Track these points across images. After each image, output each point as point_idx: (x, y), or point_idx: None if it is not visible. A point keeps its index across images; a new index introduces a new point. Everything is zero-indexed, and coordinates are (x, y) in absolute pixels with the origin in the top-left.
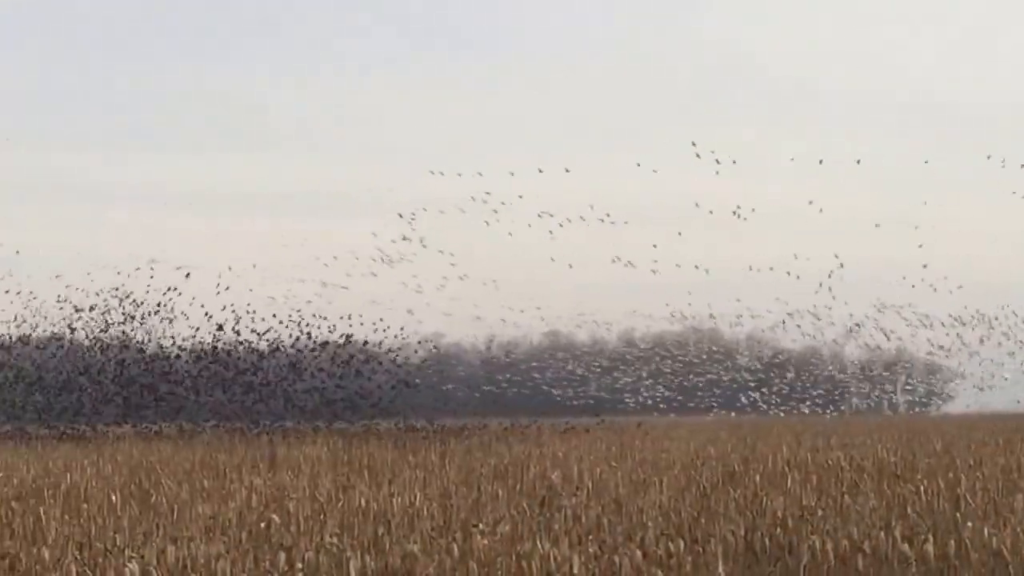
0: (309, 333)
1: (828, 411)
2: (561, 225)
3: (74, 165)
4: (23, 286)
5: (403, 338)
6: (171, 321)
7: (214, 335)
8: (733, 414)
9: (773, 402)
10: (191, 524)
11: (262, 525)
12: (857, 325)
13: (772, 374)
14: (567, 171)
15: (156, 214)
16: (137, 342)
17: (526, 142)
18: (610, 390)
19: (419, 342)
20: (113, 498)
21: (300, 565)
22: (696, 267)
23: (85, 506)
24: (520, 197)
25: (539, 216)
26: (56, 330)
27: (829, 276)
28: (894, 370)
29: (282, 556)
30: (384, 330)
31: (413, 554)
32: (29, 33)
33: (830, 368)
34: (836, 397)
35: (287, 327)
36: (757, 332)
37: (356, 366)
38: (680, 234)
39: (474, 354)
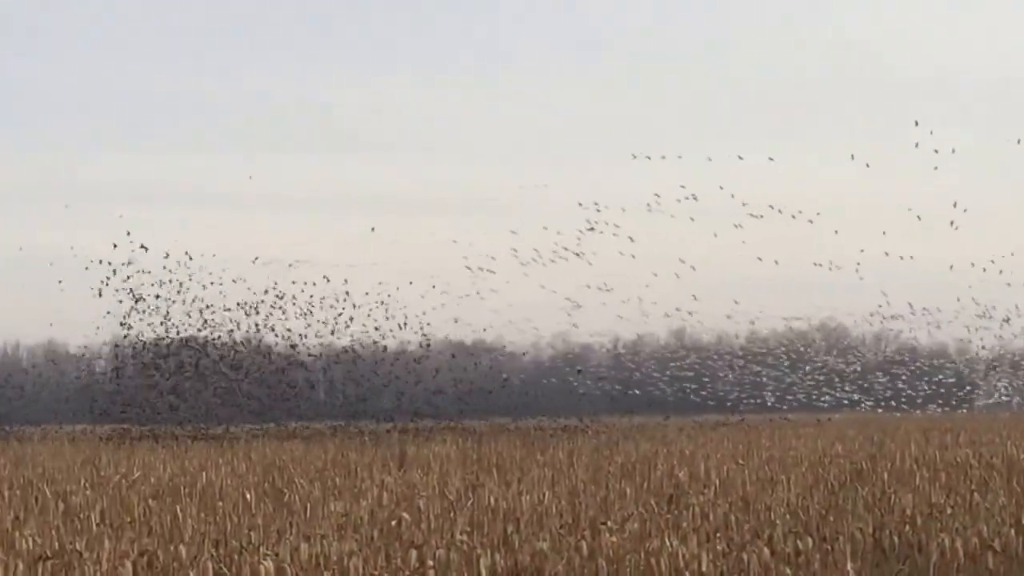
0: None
1: (954, 408)
2: (762, 216)
3: (212, 167)
4: (152, 289)
5: (536, 336)
6: (308, 320)
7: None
8: (860, 408)
9: (892, 402)
10: (323, 522)
11: (393, 523)
12: None
13: (898, 371)
14: (770, 159)
15: (305, 215)
16: (267, 344)
17: (722, 130)
18: (735, 388)
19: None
20: (247, 496)
21: (431, 562)
22: (900, 257)
23: (220, 504)
24: (723, 189)
25: (743, 205)
26: (188, 333)
27: None
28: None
29: (413, 554)
30: (522, 328)
31: (542, 552)
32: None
33: (957, 364)
34: (964, 394)
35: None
36: (885, 330)
37: (486, 365)
38: (884, 233)
39: (601, 353)
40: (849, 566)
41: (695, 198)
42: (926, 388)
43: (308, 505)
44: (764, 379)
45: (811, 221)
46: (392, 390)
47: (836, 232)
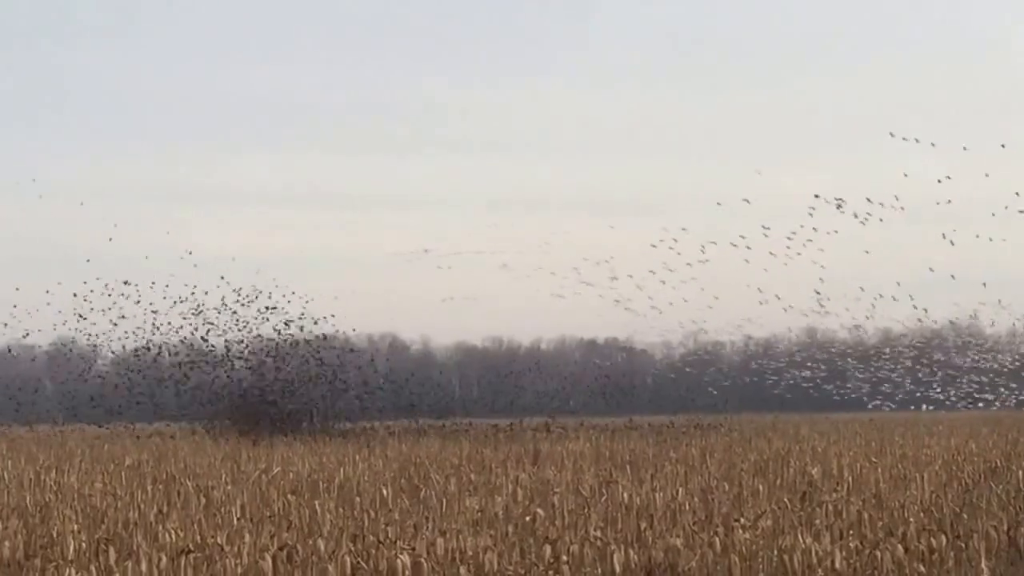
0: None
1: None
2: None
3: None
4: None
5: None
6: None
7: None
8: (992, 406)
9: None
10: (459, 517)
11: (527, 519)
12: None
13: None
14: (1002, 146)
15: (483, 216)
16: (401, 341)
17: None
18: (865, 386)
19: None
20: (384, 492)
21: (565, 558)
22: None
23: (358, 499)
24: (988, 176)
25: (1016, 195)
26: (321, 331)
27: None
28: None
29: (547, 549)
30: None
31: (676, 548)
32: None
33: None
34: None
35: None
36: (1017, 328)
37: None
38: None
39: (733, 350)
40: (983, 564)
41: (949, 202)
42: None
43: (444, 500)
44: (895, 377)
45: None
46: (524, 387)
47: None
